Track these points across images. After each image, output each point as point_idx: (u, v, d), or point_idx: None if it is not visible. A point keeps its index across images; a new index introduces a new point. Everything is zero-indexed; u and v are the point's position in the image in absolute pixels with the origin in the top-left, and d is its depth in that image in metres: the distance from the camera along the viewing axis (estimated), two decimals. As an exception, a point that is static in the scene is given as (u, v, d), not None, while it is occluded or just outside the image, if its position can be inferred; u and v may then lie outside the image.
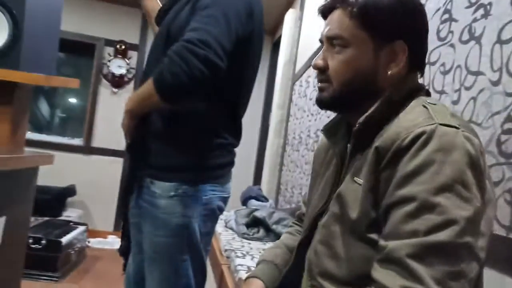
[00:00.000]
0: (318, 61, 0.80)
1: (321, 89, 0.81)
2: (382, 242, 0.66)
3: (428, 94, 0.80)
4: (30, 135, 4.03)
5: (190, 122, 1.13)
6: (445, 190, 0.62)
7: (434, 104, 0.71)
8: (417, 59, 0.78)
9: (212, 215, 1.19)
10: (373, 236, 0.70)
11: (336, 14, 0.78)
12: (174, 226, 1.11)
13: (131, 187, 1.20)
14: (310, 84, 2.74)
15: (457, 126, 0.66)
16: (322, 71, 0.80)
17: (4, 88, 1.32)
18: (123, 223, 1.26)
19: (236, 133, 1.28)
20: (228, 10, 1.04)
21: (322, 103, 0.82)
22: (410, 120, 0.69)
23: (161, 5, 1.33)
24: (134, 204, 1.20)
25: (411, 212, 0.63)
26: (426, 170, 0.63)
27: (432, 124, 0.65)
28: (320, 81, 0.81)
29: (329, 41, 0.79)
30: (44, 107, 4.74)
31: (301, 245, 0.88)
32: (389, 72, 0.76)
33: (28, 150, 1.49)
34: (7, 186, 1.26)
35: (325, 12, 0.82)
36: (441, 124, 0.65)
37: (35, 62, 1.41)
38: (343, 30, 0.76)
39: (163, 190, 1.12)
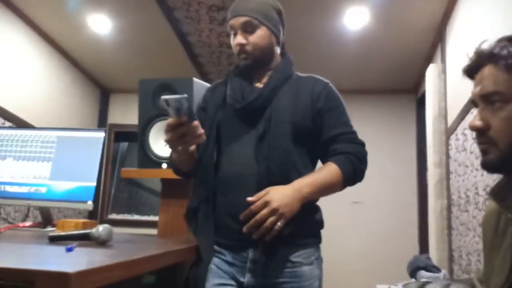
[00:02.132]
0: (476, 122, 0.76)
1: (484, 152, 0.76)
2: None
3: None
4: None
5: None
6: None
7: None
8: None
9: None
10: None
11: (487, 70, 0.76)
12: None
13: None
14: (467, 136, 2.53)
15: None
16: (482, 132, 0.75)
17: (184, 185, 1.56)
18: None
19: None
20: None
21: (489, 167, 0.77)
22: None
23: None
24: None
25: None
26: None
27: None
28: (481, 143, 0.77)
29: (485, 99, 0.75)
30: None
31: None
32: None
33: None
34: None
35: (471, 71, 0.80)
36: None
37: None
38: (499, 85, 0.73)
39: (305, 257, 1.20)
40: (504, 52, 0.73)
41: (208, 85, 1.79)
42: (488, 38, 0.81)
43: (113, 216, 4.71)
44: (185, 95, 1.02)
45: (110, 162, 4.79)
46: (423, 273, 2.42)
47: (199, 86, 1.73)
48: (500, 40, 0.76)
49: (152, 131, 1.71)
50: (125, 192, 4.89)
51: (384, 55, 3.77)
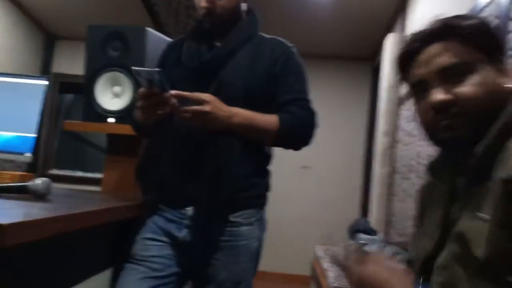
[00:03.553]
0: (442, 96, 0.72)
1: (450, 127, 0.73)
2: None
3: None
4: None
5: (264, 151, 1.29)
6: None
7: None
8: None
9: None
10: None
11: (437, 47, 0.75)
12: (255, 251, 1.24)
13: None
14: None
15: None
16: (449, 106, 0.72)
17: (131, 142, 1.51)
18: None
19: None
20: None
21: (458, 142, 0.73)
22: None
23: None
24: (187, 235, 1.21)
25: None
26: None
27: None
28: (446, 117, 0.73)
29: (447, 72, 0.73)
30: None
31: None
32: (505, 87, 0.72)
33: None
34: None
35: (412, 53, 0.78)
36: None
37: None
38: (464, 56, 0.73)
39: (245, 218, 1.21)
40: (461, 24, 0.74)
41: (164, 37, 1.70)
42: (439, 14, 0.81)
43: (55, 171, 4.52)
44: (158, 69, 1.04)
45: (54, 115, 4.54)
46: (361, 235, 2.55)
47: (154, 37, 1.64)
48: (449, 17, 0.76)
49: (99, 82, 1.62)
50: (69, 147, 4.68)
51: (347, 21, 3.76)
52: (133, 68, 1.04)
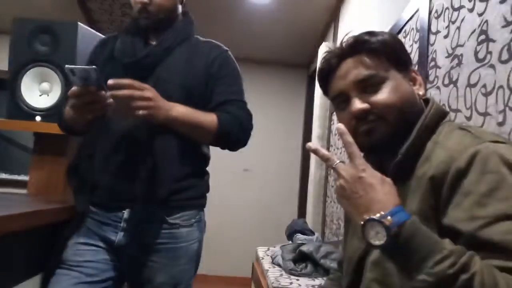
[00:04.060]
0: (360, 105, 0.78)
1: (370, 132, 0.79)
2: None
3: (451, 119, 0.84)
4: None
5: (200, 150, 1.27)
6: None
7: (470, 127, 0.74)
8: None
9: None
10: None
11: (351, 62, 0.81)
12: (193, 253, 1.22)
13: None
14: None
15: (505, 141, 0.68)
16: (367, 113, 0.78)
17: (59, 141, 1.42)
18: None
19: None
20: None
21: (377, 146, 0.79)
22: (456, 143, 0.70)
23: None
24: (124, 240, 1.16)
25: (509, 229, 0.61)
26: (502, 185, 0.63)
27: (482, 143, 0.67)
28: (366, 123, 0.79)
29: (362, 84, 0.79)
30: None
31: None
32: (420, 93, 0.82)
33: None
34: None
35: (330, 72, 0.84)
36: (490, 141, 0.67)
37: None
38: (374, 68, 0.79)
39: (184, 219, 1.19)
40: (370, 39, 0.80)
41: (96, 33, 1.63)
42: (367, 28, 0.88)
43: (-25, 173, 4.16)
44: (94, 67, 0.99)
45: (-27, 112, 4.18)
46: (299, 235, 2.61)
47: (86, 32, 1.56)
48: (359, 34, 0.83)
49: (25, 78, 1.52)
50: (-9, 147, 4.33)
51: (283, 29, 3.85)
52: (67, 66, 0.99)
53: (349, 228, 0.93)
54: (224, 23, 3.77)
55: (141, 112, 1.04)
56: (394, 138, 0.78)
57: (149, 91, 1.06)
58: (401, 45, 0.84)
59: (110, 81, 1.01)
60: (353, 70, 0.80)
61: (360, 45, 0.81)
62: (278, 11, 3.50)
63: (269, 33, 3.94)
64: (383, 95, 0.78)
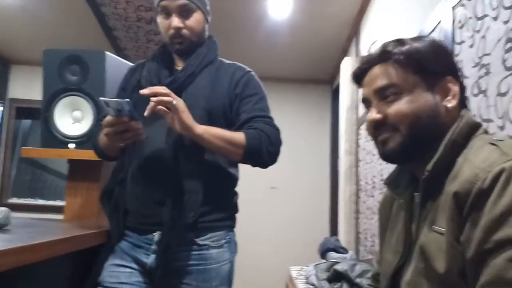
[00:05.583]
0: (374, 115, 0.80)
1: (384, 142, 0.80)
2: None
3: (486, 131, 0.79)
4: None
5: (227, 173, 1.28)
6: None
7: (502, 141, 0.70)
8: (463, 94, 0.81)
9: None
10: None
11: (377, 69, 0.82)
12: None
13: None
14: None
15: None
16: (381, 124, 0.80)
17: (93, 167, 1.46)
18: None
19: None
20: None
21: (390, 156, 0.81)
22: (483, 159, 0.67)
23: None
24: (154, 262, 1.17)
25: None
26: None
27: (509, 160, 0.64)
28: (380, 134, 0.81)
29: (380, 93, 0.80)
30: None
31: None
32: (448, 105, 0.78)
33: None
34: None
35: (361, 75, 0.85)
36: None
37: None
38: (394, 79, 0.79)
39: (213, 240, 1.19)
40: (397, 50, 0.80)
41: (123, 61, 1.69)
42: (384, 39, 0.87)
43: (14, 200, 4.31)
44: (127, 100, 1.04)
45: (10, 141, 4.35)
46: (332, 254, 2.57)
47: (113, 61, 1.62)
48: (391, 42, 0.83)
49: (57, 107, 1.58)
50: (27, 174, 4.48)
51: (304, 46, 3.87)
52: (101, 98, 1.04)
53: (384, 241, 0.91)
54: (244, 42, 3.81)
55: (170, 116, 1.08)
56: (408, 150, 0.78)
57: (176, 100, 1.08)
58: (434, 54, 0.80)
59: (144, 91, 1.06)
60: (376, 78, 0.81)
61: (385, 54, 0.81)
62: (298, 27, 3.52)
63: (289, 50, 3.96)
64: (397, 106, 0.78)
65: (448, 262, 0.66)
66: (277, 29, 3.55)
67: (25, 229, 1.11)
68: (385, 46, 0.82)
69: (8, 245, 0.74)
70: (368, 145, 2.93)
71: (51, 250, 0.89)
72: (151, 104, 1.05)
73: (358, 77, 0.86)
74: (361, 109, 3.18)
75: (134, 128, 1.10)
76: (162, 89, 1.08)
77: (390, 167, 0.93)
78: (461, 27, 1.44)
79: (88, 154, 1.40)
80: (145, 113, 1.05)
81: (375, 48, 0.84)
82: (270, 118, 1.28)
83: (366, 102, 0.84)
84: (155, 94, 1.06)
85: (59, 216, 1.70)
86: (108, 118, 1.09)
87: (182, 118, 1.08)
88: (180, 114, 1.08)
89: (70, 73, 1.58)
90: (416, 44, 0.80)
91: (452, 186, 0.69)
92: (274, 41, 3.78)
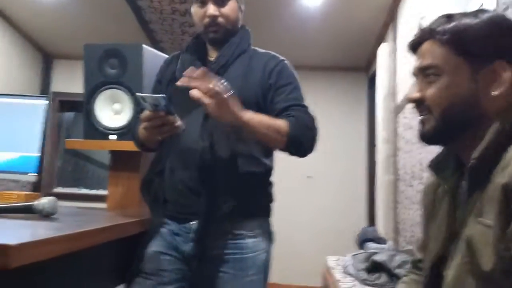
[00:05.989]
0: (413, 93, 0.80)
1: (423, 122, 0.80)
2: None
3: None
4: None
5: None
6: None
7: None
8: None
9: None
10: None
11: (426, 45, 0.79)
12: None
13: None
14: (414, 114, 2.62)
15: None
16: (420, 103, 0.79)
17: (133, 157, 1.50)
18: None
19: None
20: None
21: (425, 137, 0.81)
22: None
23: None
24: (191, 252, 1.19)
25: None
26: None
27: None
28: (420, 113, 0.81)
29: (423, 72, 0.79)
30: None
31: None
32: (492, 93, 0.73)
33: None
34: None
35: (415, 46, 0.82)
36: None
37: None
38: (436, 59, 0.76)
39: (249, 230, 1.20)
40: (441, 28, 0.76)
41: (160, 53, 1.71)
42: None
43: (59, 189, 4.51)
44: (163, 95, 1.05)
45: (55, 133, 4.54)
46: (370, 244, 2.54)
47: (150, 54, 1.64)
48: (439, 17, 0.79)
49: (98, 100, 1.62)
50: (71, 165, 4.67)
51: (339, 33, 3.79)
52: (138, 94, 1.06)
53: (427, 227, 0.89)
54: (275, 30, 3.78)
55: (208, 101, 1.00)
56: (442, 134, 0.77)
57: (221, 89, 1.01)
58: (486, 34, 0.73)
59: (183, 78, 1.01)
60: (423, 56, 0.79)
61: (432, 31, 0.78)
62: (331, 14, 3.45)
63: (323, 36, 3.90)
64: (432, 90, 0.77)
65: (494, 258, 0.63)
66: (309, 15, 3.50)
67: (72, 217, 1.16)
68: (433, 22, 0.79)
69: (56, 233, 0.77)
70: (407, 133, 2.85)
71: (97, 238, 0.92)
72: (193, 92, 0.99)
73: (414, 47, 0.83)
74: (399, 96, 3.09)
75: (170, 122, 1.12)
76: (198, 72, 1.01)
77: (430, 156, 0.91)
78: (504, 10, 1.36)
79: (129, 145, 1.44)
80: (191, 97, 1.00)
81: (428, 22, 0.81)
82: (306, 106, 1.27)
83: (415, 75, 0.83)
84: (191, 81, 1.00)
85: (102, 205, 1.76)
86: (146, 113, 1.11)
87: (228, 104, 1.03)
88: (225, 100, 1.02)
89: (109, 66, 1.62)
90: (466, 21, 0.75)
91: (501, 177, 0.65)
92: (307, 28, 3.73)
